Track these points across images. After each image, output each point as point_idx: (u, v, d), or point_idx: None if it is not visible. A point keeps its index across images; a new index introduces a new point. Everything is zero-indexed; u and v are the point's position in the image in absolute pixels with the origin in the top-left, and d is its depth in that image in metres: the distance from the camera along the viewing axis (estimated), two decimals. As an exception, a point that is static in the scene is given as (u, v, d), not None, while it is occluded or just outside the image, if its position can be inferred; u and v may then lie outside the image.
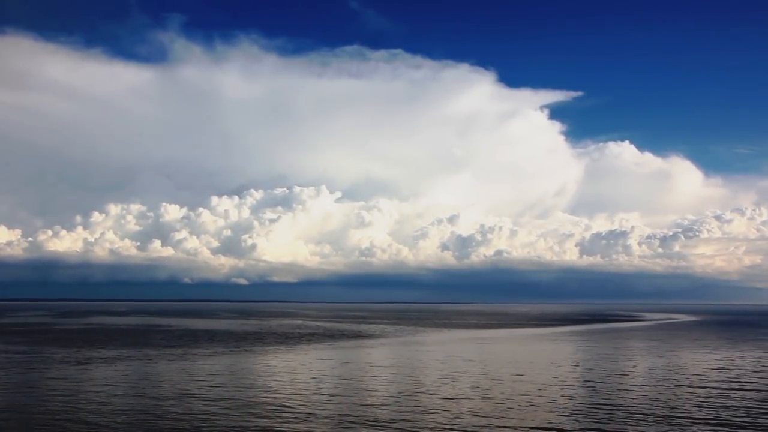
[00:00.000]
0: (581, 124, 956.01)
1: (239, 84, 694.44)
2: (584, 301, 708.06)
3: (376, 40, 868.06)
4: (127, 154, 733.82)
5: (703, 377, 40.27)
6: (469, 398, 32.05)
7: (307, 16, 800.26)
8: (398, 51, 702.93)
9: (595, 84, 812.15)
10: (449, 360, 51.83)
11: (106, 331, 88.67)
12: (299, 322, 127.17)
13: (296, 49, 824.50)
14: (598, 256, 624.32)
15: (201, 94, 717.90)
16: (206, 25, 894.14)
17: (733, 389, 35.31)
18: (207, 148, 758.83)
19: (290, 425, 25.67)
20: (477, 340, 77.89)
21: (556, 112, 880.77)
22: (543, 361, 49.76)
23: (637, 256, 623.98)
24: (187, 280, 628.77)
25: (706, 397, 32.40)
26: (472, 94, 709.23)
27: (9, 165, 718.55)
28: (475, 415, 27.85)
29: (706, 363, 48.91)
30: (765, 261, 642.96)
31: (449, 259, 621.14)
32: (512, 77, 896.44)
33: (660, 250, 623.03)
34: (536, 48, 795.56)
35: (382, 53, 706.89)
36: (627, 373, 42.45)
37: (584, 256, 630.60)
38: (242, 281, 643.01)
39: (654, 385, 36.60)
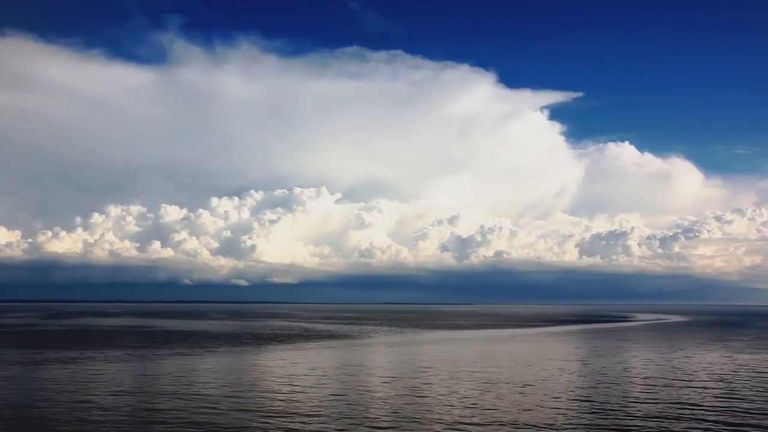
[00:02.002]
0: (581, 124, 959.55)
1: (239, 85, 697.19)
2: (584, 302, 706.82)
3: (376, 41, 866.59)
4: (127, 156, 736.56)
5: (648, 376, 40.36)
6: (402, 397, 32.11)
7: (307, 17, 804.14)
8: (398, 52, 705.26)
9: (595, 85, 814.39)
10: (405, 361, 51.93)
11: (84, 333, 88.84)
12: (285, 323, 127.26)
13: (296, 51, 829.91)
14: (598, 256, 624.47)
15: (201, 96, 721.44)
16: (206, 26, 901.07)
17: (671, 387, 35.38)
18: (207, 149, 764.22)
19: (210, 417, 25.74)
20: (452, 341, 77.89)
21: (556, 113, 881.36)
22: (499, 362, 49.78)
23: (637, 256, 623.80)
24: (186, 281, 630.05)
25: (643, 393, 32.52)
26: (472, 95, 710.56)
27: (9, 166, 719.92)
28: (394, 413, 27.92)
29: (660, 362, 48.94)
30: (765, 261, 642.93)
31: (449, 260, 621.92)
32: (512, 78, 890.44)
33: (660, 250, 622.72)
34: (536, 49, 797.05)
35: (382, 54, 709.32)
36: (573, 372, 42.50)
37: (584, 256, 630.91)
38: (242, 282, 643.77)
39: (592, 385, 36.65)
